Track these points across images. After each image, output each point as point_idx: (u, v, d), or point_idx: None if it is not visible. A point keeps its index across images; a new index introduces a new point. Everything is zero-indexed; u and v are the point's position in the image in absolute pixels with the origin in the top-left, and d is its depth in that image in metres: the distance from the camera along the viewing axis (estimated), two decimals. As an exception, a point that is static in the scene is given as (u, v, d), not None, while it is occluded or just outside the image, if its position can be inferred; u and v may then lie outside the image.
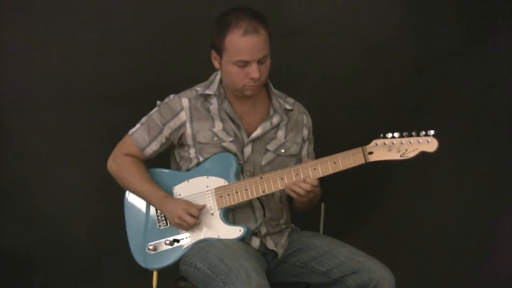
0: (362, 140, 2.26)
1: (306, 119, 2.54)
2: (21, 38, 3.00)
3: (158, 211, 2.41)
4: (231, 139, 2.38)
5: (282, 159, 2.42)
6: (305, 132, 2.52)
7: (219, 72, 2.45)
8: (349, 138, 2.37)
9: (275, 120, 2.44)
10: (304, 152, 2.51)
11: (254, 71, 2.30)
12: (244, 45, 2.28)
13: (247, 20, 2.28)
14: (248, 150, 2.40)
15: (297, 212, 2.52)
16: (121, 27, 3.02)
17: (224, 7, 2.41)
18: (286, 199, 2.50)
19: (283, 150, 2.44)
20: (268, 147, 2.42)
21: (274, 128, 2.44)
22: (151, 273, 2.48)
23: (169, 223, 2.39)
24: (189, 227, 2.33)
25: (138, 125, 2.46)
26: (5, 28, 2.99)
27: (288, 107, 2.49)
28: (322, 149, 2.51)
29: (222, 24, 2.31)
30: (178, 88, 2.47)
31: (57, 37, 3.01)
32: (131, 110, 2.58)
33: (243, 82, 2.33)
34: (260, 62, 2.30)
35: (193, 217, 2.30)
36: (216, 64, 2.39)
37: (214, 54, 2.37)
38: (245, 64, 2.29)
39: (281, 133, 2.46)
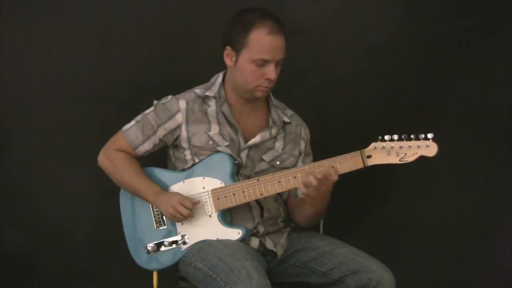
0: (361, 140, 2.26)
1: (303, 131, 2.53)
2: (21, 38, 2.99)
3: (155, 212, 2.41)
4: (226, 143, 2.37)
5: (275, 170, 2.38)
6: (302, 145, 2.51)
7: (220, 74, 2.45)
8: (348, 139, 2.38)
9: (274, 131, 2.44)
10: (299, 164, 2.49)
11: (271, 71, 2.29)
12: (268, 43, 2.27)
13: (272, 20, 2.29)
14: (243, 155, 2.39)
15: (301, 224, 2.49)
16: (121, 27, 3.02)
17: (224, 8, 2.42)
18: (281, 198, 2.50)
19: (278, 162, 2.43)
20: (264, 157, 2.41)
21: (272, 139, 2.44)
22: (151, 273, 2.49)
23: (164, 215, 2.38)
24: (183, 219, 2.32)
25: (132, 122, 2.46)
26: (5, 28, 2.98)
27: (286, 119, 2.48)
28: (320, 151, 2.51)
29: (245, 21, 2.29)
30: (178, 88, 2.47)
31: (57, 37, 3.00)
32: (131, 110, 2.57)
33: (257, 82, 2.31)
34: (276, 64, 2.30)
35: (187, 209, 2.30)
36: (229, 62, 2.36)
37: (228, 51, 2.34)
38: (264, 63, 2.28)
39: (278, 144, 2.45)
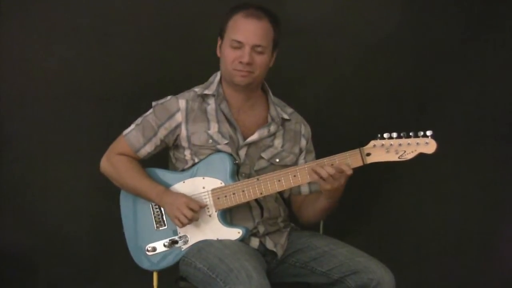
0: (361, 139, 2.26)
1: (304, 129, 2.53)
2: (21, 38, 2.99)
3: (155, 213, 2.41)
4: (226, 141, 2.37)
5: (275, 168, 2.40)
6: (303, 142, 2.51)
7: (218, 73, 2.45)
8: (347, 138, 2.37)
9: (273, 128, 2.44)
10: (301, 161, 2.50)
11: (244, 54, 2.31)
12: (242, 25, 2.32)
13: (253, 8, 2.35)
14: (242, 153, 2.39)
15: (309, 220, 2.49)
16: (121, 27, 3.02)
17: (224, 8, 2.42)
18: (281, 198, 2.50)
19: (277, 160, 2.43)
20: (263, 154, 2.41)
21: (271, 136, 2.44)
22: (151, 273, 2.49)
23: (167, 216, 2.37)
24: (188, 222, 2.31)
25: (132, 126, 2.46)
26: (5, 28, 2.98)
27: (286, 116, 2.48)
28: (319, 149, 2.51)
29: (231, 10, 2.37)
30: (177, 88, 2.48)
31: (57, 37, 3.00)
32: (131, 110, 2.58)
33: (233, 65, 2.34)
34: (255, 50, 2.32)
35: (193, 212, 2.29)
36: (218, 52, 2.41)
37: (219, 42, 2.40)
38: (238, 45, 2.32)
39: (278, 142, 2.45)
